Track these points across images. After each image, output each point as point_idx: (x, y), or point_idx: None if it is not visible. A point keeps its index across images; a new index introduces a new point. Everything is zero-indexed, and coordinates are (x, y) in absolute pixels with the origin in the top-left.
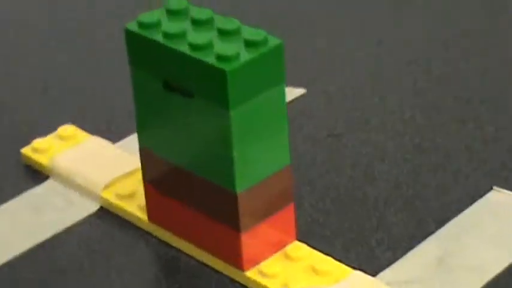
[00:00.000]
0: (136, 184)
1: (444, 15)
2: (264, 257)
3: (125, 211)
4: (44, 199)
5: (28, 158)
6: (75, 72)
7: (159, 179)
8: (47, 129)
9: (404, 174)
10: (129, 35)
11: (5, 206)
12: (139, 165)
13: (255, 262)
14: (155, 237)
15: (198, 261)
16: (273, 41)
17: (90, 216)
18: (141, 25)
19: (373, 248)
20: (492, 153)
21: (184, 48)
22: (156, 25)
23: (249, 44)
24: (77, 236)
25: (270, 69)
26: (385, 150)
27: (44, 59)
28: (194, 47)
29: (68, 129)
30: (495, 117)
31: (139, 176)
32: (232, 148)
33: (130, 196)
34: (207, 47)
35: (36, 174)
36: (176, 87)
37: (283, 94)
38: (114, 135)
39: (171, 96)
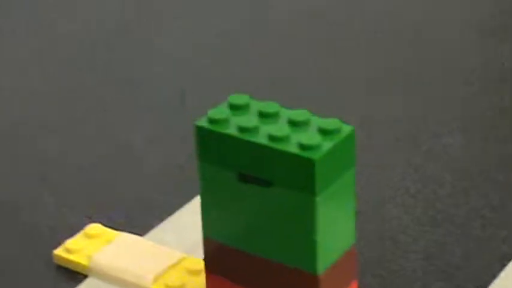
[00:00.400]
0: (183, 275)
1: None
2: None
3: None
4: None
5: (62, 259)
6: (86, 169)
7: (225, 267)
8: (65, 228)
9: (431, 245)
10: (200, 131)
11: None
12: (180, 256)
13: None
14: None
15: None
16: (346, 128)
17: None
18: (212, 121)
19: None
20: (502, 218)
21: (262, 140)
22: (226, 120)
23: (325, 133)
24: None
25: (345, 155)
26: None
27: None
28: (273, 138)
29: (95, 228)
30: (497, 186)
31: (184, 266)
32: (316, 232)
33: (181, 287)
34: (286, 137)
35: (71, 275)
36: (252, 178)
37: (353, 176)
38: (136, 229)
39: (246, 187)
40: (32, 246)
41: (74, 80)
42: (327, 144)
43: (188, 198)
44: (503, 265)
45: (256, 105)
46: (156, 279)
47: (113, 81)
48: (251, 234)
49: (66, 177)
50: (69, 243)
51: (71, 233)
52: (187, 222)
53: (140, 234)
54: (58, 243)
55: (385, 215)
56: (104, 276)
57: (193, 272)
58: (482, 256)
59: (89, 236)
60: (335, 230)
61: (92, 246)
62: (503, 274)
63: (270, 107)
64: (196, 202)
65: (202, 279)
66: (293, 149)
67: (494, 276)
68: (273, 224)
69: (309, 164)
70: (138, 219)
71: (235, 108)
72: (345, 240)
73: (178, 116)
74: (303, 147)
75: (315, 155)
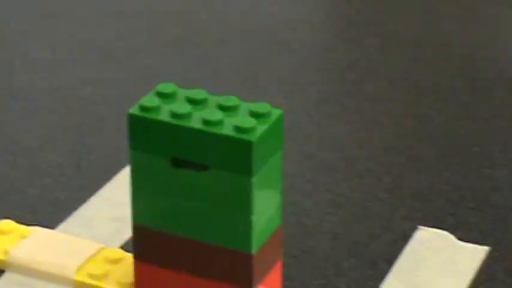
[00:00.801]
0: (104, 264)
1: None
2: None
3: None
4: None
5: None
6: None
7: (157, 254)
8: None
9: (341, 226)
10: (133, 119)
11: None
12: (98, 246)
13: None
14: None
15: None
16: (276, 112)
17: None
18: (144, 109)
19: None
20: (397, 200)
21: (197, 125)
22: (158, 107)
23: (257, 116)
24: None
25: (276, 137)
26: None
27: None
28: (208, 122)
29: (7, 224)
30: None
31: (103, 256)
32: (252, 212)
33: (105, 275)
34: (220, 121)
35: None
36: (187, 162)
37: (281, 157)
38: (43, 225)
39: (180, 172)
40: None
41: None
42: (261, 127)
43: (90, 193)
44: (406, 241)
45: (183, 93)
46: (78, 270)
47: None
48: (185, 219)
49: None
50: None
51: None
52: (93, 215)
53: (51, 229)
54: None
55: (287, 201)
56: (23, 269)
57: (113, 261)
58: (386, 233)
59: (1, 232)
60: (267, 210)
61: (7, 241)
62: (408, 248)
63: (198, 93)
64: (100, 195)
65: (123, 267)
66: (229, 132)
67: (399, 251)
68: (207, 207)
69: (247, 145)
70: (44, 216)
71: (164, 96)
72: (275, 220)
73: (69, 115)
74: (239, 130)
75: (252, 137)
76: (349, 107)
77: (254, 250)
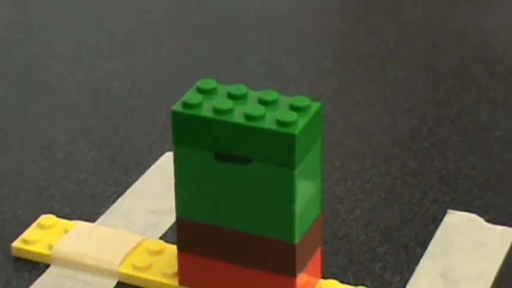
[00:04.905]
0: (147, 255)
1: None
2: None
3: (150, 281)
4: (58, 286)
5: (22, 251)
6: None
7: (201, 245)
8: (13, 222)
9: (372, 212)
10: (177, 116)
11: None
12: (140, 238)
13: None
14: None
15: None
16: (315, 105)
17: None
18: (187, 105)
19: (382, 275)
20: (425, 185)
21: (240, 120)
22: (200, 104)
23: (297, 109)
24: None
25: (315, 129)
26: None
27: None
28: (250, 117)
29: (49, 219)
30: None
31: (145, 247)
32: (295, 203)
33: (149, 267)
34: (262, 116)
35: (31, 266)
36: (230, 156)
37: (321, 149)
38: (83, 218)
39: (223, 165)
40: None
41: None
42: (302, 120)
43: (126, 186)
44: (436, 225)
45: (224, 89)
46: (122, 262)
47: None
48: (228, 210)
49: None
50: (27, 234)
51: (21, 226)
52: (131, 208)
53: (91, 222)
54: (10, 237)
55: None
56: (68, 263)
57: (156, 252)
58: (417, 218)
59: (43, 227)
60: (308, 200)
61: (50, 236)
62: (439, 232)
63: (239, 89)
64: (136, 188)
65: (165, 258)
66: (271, 126)
67: (431, 235)
68: (251, 199)
69: (289, 139)
70: (83, 210)
71: (205, 92)
72: (315, 209)
73: (101, 111)
74: (280, 123)
75: (294, 130)
76: (371, 94)
77: (297, 239)
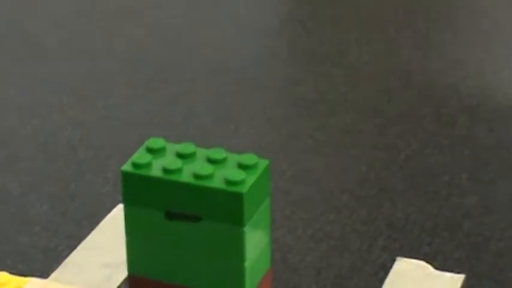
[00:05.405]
0: None
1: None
2: None
3: None
4: None
5: None
6: None
7: None
8: None
9: (323, 261)
10: (127, 176)
11: None
12: None
13: None
14: None
15: None
16: (263, 162)
17: None
18: (136, 166)
19: None
20: (375, 232)
21: (189, 179)
22: (150, 163)
23: (245, 168)
24: None
25: (264, 186)
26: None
27: None
28: (199, 176)
29: (2, 276)
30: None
31: None
32: (245, 259)
33: None
34: (211, 175)
35: None
36: (180, 215)
37: (269, 204)
38: (36, 273)
39: (173, 223)
40: None
41: None
42: (251, 178)
43: (78, 240)
44: (386, 272)
45: (173, 148)
46: None
47: None
48: (179, 267)
49: None
50: None
51: None
52: (84, 262)
53: (44, 278)
54: None
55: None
56: None
57: None
58: (367, 266)
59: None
60: (258, 255)
61: None
62: (388, 280)
63: (187, 148)
64: (88, 242)
65: None
66: (220, 185)
67: (381, 282)
68: (201, 255)
69: (238, 197)
70: (36, 265)
71: (154, 151)
72: (264, 264)
73: (54, 162)
74: (229, 182)
75: (242, 189)
76: (321, 140)
77: None
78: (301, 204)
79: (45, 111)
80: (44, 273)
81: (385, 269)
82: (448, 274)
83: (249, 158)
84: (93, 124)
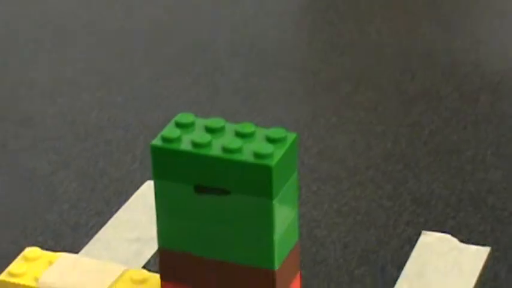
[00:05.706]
0: (130, 285)
1: None
2: None
3: None
4: None
5: (8, 284)
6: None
7: (183, 275)
8: None
9: (349, 235)
10: (156, 150)
11: None
12: (123, 268)
13: None
14: None
15: None
16: (291, 136)
17: None
18: (166, 140)
19: None
20: (400, 207)
21: (218, 153)
22: (179, 138)
23: (274, 141)
24: None
25: (291, 159)
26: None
27: None
28: (228, 150)
29: (34, 252)
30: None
31: (128, 277)
32: (274, 232)
33: None
34: (239, 149)
35: None
36: (209, 189)
37: (297, 178)
38: (67, 249)
39: (203, 197)
40: None
41: None
42: (279, 152)
43: (108, 216)
44: (412, 246)
45: (202, 122)
46: None
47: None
48: (209, 241)
49: None
50: (12, 267)
51: (5, 260)
52: (113, 238)
53: (75, 253)
54: None
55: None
56: None
57: (139, 281)
58: (393, 240)
59: (29, 260)
60: (286, 228)
61: (36, 268)
62: (414, 253)
63: (216, 122)
64: (117, 218)
65: (148, 287)
66: (248, 158)
67: (407, 256)
68: (230, 229)
69: (266, 170)
70: (66, 241)
71: (183, 126)
72: (292, 237)
73: (84, 142)
74: (257, 155)
75: (271, 162)
76: (345, 117)
77: (277, 266)
78: (327, 180)
79: (73, 91)
80: (74, 249)
81: (411, 242)
82: (473, 247)
83: (277, 132)
84: (120, 104)
